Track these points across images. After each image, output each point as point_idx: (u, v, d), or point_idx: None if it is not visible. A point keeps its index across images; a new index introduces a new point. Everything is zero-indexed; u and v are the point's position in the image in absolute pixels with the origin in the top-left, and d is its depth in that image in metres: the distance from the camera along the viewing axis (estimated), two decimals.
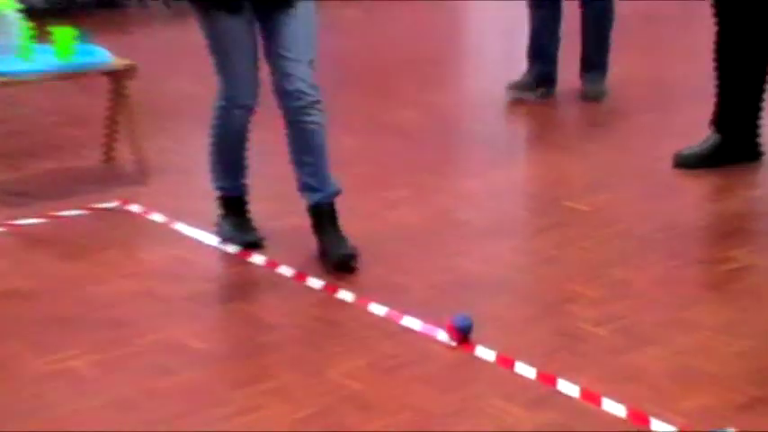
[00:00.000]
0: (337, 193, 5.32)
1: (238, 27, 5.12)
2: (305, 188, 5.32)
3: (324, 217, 5.29)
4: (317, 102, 5.15)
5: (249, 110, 5.31)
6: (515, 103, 8.19)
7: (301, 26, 5.10)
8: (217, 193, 5.57)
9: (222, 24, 5.11)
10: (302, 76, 5.09)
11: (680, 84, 8.25)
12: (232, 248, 5.52)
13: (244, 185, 5.59)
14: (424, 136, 7.41)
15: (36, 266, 5.52)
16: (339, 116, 5.20)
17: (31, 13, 6.57)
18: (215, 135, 5.43)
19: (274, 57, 5.12)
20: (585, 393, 4.25)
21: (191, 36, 9.51)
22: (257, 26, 5.17)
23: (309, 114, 5.12)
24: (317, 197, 5.27)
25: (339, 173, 5.27)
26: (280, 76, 5.14)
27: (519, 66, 8.39)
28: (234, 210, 5.57)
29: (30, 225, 5.95)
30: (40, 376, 4.51)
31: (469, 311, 4.74)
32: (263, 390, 4.36)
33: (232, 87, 5.26)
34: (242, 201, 5.59)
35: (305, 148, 5.24)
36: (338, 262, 5.17)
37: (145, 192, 6.33)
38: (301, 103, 5.11)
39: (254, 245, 5.49)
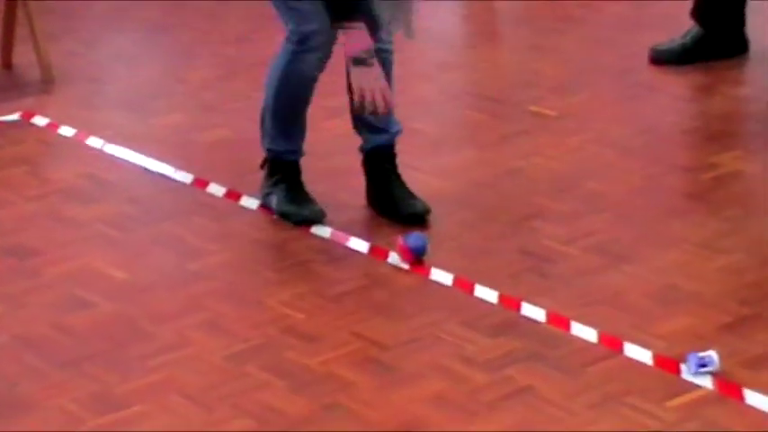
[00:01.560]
0: (399, 132, 5.21)
1: None
2: (363, 127, 5.18)
3: (385, 162, 5.18)
4: (391, 41, 5.08)
5: (325, 53, 5.05)
6: None
7: None
8: (268, 155, 5.28)
9: None
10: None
11: None
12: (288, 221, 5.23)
13: (301, 149, 5.32)
14: None
15: None
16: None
17: None
18: (278, 87, 5.12)
19: None
20: (553, 317, 4.32)
21: None
22: None
23: (388, 51, 5.07)
24: (381, 139, 5.17)
25: None
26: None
27: None
28: (289, 177, 5.26)
29: None
30: None
31: (424, 230, 4.83)
32: (191, 323, 4.40)
33: (304, 23, 4.97)
34: (298, 167, 5.32)
35: None
36: (411, 216, 5.05)
37: (51, 102, 6.34)
38: (385, 36, 5.00)
39: (315, 221, 5.17)
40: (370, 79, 4.71)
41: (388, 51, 5.08)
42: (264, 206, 5.22)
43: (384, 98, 4.72)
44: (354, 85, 4.75)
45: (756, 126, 5.92)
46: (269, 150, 5.23)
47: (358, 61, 4.72)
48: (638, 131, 5.87)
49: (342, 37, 4.79)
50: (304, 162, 5.19)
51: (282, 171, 5.22)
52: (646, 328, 4.23)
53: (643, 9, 7.20)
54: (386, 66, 4.98)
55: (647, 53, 6.71)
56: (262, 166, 5.25)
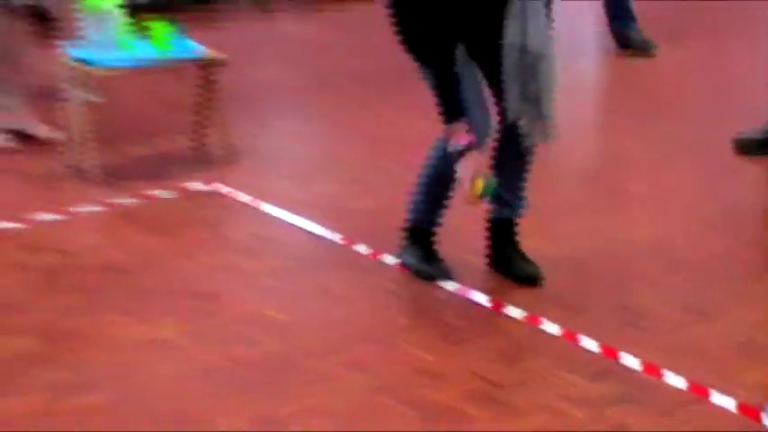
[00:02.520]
0: (524, 209, 5.03)
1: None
2: (494, 200, 4.95)
3: (506, 232, 5.02)
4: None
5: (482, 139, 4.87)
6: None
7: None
8: (408, 224, 5.15)
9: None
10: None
11: (743, 69, 7.90)
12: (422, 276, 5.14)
13: (439, 222, 5.14)
14: None
15: (129, 242, 5.55)
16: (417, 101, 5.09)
17: (131, 8, 6.62)
18: (430, 172, 4.99)
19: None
20: (647, 366, 4.21)
21: (274, 30, 9.65)
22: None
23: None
24: (507, 213, 5.00)
25: (415, 155, 5.16)
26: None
27: None
28: (422, 241, 5.14)
29: (125, 204, 5.98)
30: (132, 344, 4.57)
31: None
32: (338, 360, 4.36)
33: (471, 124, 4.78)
34: (432, 233, 5.17)
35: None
36: (525, 279, 4.92)
37: (231, 174, 6.34)
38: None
39: (443, 278, 5.02)
40: (468, 168, 4.56)
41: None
42: (402, 264, 5.12)
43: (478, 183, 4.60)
44: (459, 173, 4.61)
45: None
46: (412, 219, 5.10)
47: (459, 154, 4.58)
48: (721, 208, 5.72)
49: (447, 131, 4.66)
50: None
51: (420, 237, 5.10)
52: (729, 378, 4.11)
53: (726, 100, 6.94)
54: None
55: (729, 140, 6.39)
56: (404, 230, 5.13)
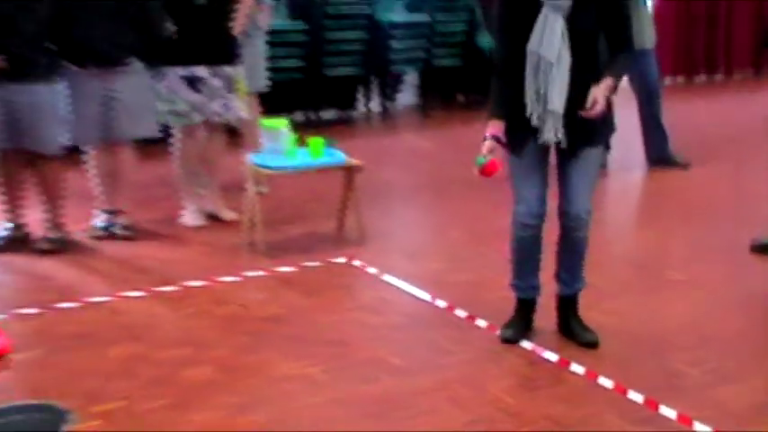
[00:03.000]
0: (583, 287, 4.89)
1: (532, 162, 4.70)
2: (559, 281, 4.87)
3: (570, 305, 4.87)
4: (588, 221, 4.71)
5: (537, 226, 4.76)
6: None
7: (587, 167, 4.68)
8: (515, 293, 4.96)
9: (523, 158, 4.68)
10: (584, 204, 4.67)
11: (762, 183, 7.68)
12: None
13: (535, 288, 4.94)
14: None
15: (287, 300, 5.58)
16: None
17: (295, 127, 6.72)
18: (513, 247, 4.84)
19: (563, 187, 4.71)
20: (680, 417, 4.13)
21: (397, 143, 9.69)
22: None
23: (580, 230, 4.71)
24: (566, 290, 4.85)
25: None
26: (566, 201, 4.69)
27: None
28: (519, 312, 4.96)
29: (284, 271, 6.02)
30: (285, 377, 4.59)
31: (594, 351, 4.74)
32: (440, 397, 4.34)
33: (524, 207, 4.74)
34: (530, 304, 4.96)
35: (569, 252, 4.81)
36: (585, 344, 4.77)
37: (363, 251, 6.32)
38: (578, 221, 4.67)
39: (511, 341, 4.88)
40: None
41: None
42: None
43: None
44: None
45: None
46: (511, 286, 4.95)
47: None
48: (741, 295, 5.57)
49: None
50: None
51: (518, 306, 4.94)
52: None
53: (746, 209, 6.79)
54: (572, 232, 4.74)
55: (747, 241, 6.23)
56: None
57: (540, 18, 4.42)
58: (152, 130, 6.64)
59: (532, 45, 4.45)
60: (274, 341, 4.99)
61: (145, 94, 6.49)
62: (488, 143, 4.57)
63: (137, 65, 6.39)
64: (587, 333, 4.81)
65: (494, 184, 4.78)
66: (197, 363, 4.72)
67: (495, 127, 4.60)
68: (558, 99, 4.46)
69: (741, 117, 9.95)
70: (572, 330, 4.85)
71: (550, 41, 4.41)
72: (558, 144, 4.56)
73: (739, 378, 4.53)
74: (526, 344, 4.86)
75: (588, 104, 4.39)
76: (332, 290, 5.73)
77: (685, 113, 9.49)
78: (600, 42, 4.55)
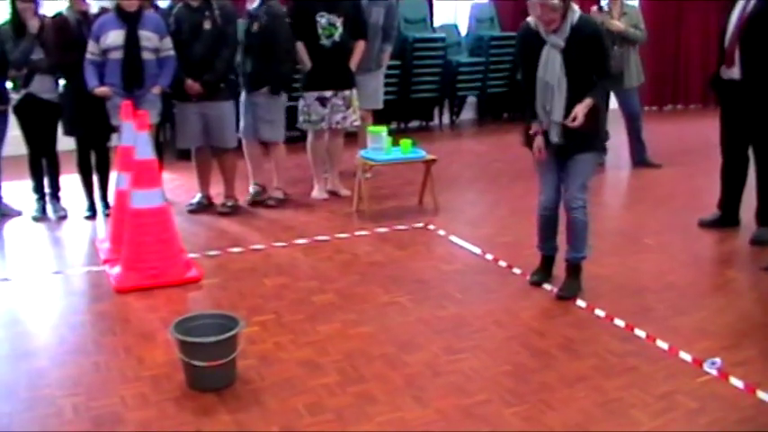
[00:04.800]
0: (583, 258, 4.72)
1: (549, 165, 4.63)
2: (567, 249, 4.74)
3: (570, 267, 4.73)
4: (581, 206, 4.57)
5: (551, 207, 4.71)
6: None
7: (580, 167, 4.55)
8: (540, 251, 4.92)
9: (540, 162, 4.66)
10: (575, 192, 4.56)
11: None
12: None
13: (553, 248, 4.88)
14: None
15: (384, 251, 5.59)
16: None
17: (390, 132, 6.72)
18: (538, 221, 4.79)
19: (564, 181, 4.62)
20: (648, 336, 4.13)
21: (461, 145, 9.63)
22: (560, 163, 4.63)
23: (575, 211, 4.58)
24: (569, 255, 4.72)
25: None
26: (565, 190, 4.62)
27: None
28: (542, 264, 4.92)
29: (382, 231, 6.04)
30: (384, 303, 4.66)
31: (593, 291, 4.64)
32: (490, 320, 4.32)
33: (542, 194, 4.73)
34: (550, 260, 4.91)
35: (570, 229, 4.66)
36: (558, 295, 4.67)
37: (436, 219, 6.30)
38: (573, 204, 4.58)
39: (536, 284, 4.87)
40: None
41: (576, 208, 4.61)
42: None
43: None
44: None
45: None
46: (537, 247, 4.90)
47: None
48: (696, 255, 5.47)
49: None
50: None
51: (542, 260, 4.91)
52: (690, 346, 4.01)
53: (700, 198, 6.58)
54: (569, 213, 4.61)
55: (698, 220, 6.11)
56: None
57: (544, 53, 4.40)
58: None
59: (540, 73, 4.41)
60: (376, 279, 5.03)
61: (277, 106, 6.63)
62: (539, 139, 4.55)
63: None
64: (564, 289, 4.70)
65: (530, 177, 4.73)
66: (323, 291, 4.82)
67: (536, 126, 4.56)
68: (557, 112, 4.43)
69: (694, 135, 9.81)
70: (561, 284, 4.76)
71: (553, 70, 4.39)
72: (560, 149, 4.53)
73: (689, 312, 4.52)
74: (547, 286, 4.86)
75: (570, 118, 4.38)
76: (415, 245, 5.72)
77: (657, 131, 9.38)
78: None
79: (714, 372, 3.78)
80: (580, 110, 4.38)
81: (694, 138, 9.65)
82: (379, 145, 6.49)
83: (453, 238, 5.82)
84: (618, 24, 7.53)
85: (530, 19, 4.47)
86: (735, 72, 5.59)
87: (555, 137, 4.50)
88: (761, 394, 3.56)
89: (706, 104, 12.00)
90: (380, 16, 7.18)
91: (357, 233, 5.97)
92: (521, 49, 4.57)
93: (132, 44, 5.84)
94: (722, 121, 5.88)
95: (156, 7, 6.54)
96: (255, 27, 6.35)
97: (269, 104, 6.52)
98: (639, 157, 8.13)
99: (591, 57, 4.43)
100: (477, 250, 5.55)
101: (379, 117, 7.96)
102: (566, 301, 4.63)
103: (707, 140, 9.32)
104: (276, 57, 6.37)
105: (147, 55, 5.90)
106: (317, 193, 6.96)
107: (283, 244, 5.71)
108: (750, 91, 5.46)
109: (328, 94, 6.64)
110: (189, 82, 6.11)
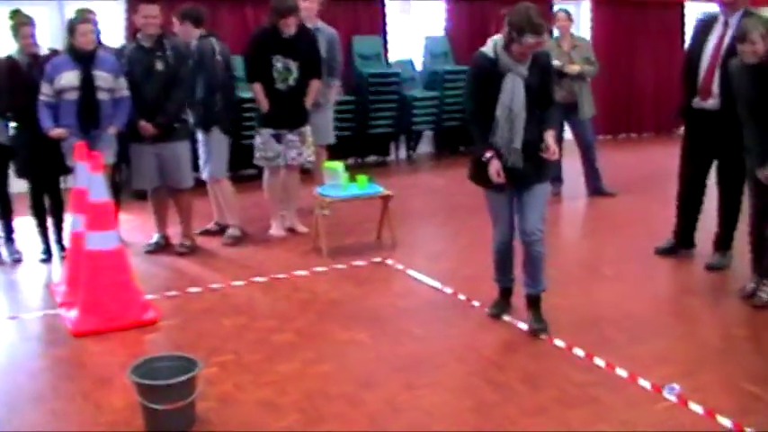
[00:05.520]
0: (544, 290, 4.70)
1: (503, 199, 4.62)
2: (526, 284, 4.71)
3: (532, 301, 4.69)
4: (541, 238, 4.55)
5: (508, 243, 4.74)
6: None
7: (538, 198, 4.55)
8: (497, 285, 4.94)
9: (493, 197, 4.66)
10: (536, 225, 4.53)
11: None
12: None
13: (510, 280, 4.92)
14: None
15: (342, 288, 5.57)
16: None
17: (347, 168, 6.77)
18: (494, 257, 4.82)
19: (520, 213, 4.58)
20: (608, 365, 4.16)
21: (417, 179, 9.64)
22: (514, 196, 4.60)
23: (536, 244, 4.55)
24: (531, 290, 4.68)
25: None
26: (523, 223, 4.55)
27: None
28: (501, 296, 4.95)
29: (340, 268, 6.01)
30: (343, 342, 4.63)
31: (552, 323, 4.66)
32: (450, 356, 4.31)
33: (498, 231, 4.72)
34: (507, 291, 4.94)
35: (529, 263, 4.64)
36: (534, 331, 4.61)
37: (394, 254, 6.29)
38: (534, 237, 4.53)
39: (496, 316, 4.89)
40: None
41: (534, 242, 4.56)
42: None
43: None
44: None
45: None
46: (495, 281, 4.93)
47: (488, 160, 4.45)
48: (653, 284, 5.53)
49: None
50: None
51: (500, 292, 4.93)
52: (648, 371, 4.03)
53: (656, 225, 6.70)
54: (529, 246, 4.55)
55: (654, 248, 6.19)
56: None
57: (508, 82, 4.33)
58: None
59: (505, 101, 4.33)
60: (335, 316, 5.01)
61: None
62: (496, 162, 4.41)
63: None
64: (535, 323, 4.67)
65: (485, 210, 4.73)
66: (282, 330, 4.78)
67: (490, 151, 4.43)
68: (518, 140, 4.42)
69: (648, 163, 9.98)
70: (530, 320, 4.71)
71: (519, 98, 4.35)
72: (518, 179, 4.47)
73: (647, 341, 4.55)
74: (507, 318, 4.88)
75: (548, 150, 4.37)
76: (373, 281, 5.71)
77: (612, 160, 9.50)
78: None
79: (673, 398, 3.81)
80: (551, 140, 4.40)
81: (648, 165, 9.83)
82: (336, 181, 6.49)
83: (412, 273, 5.81)
84: (574, 68, 7.66)
85: (486, 48, 4.44)
86: (711, 103, 5.59)
87: (518, 163, 4.43)
88: (720, 419, 3.61)
89: (658, 133, 12.24)
90: (322, 50, 7.14)
91: (315, 270, 5.94)
92: (478, 78, 4.45)
93: (87, 85, 5.81)
94: (686, 150, 5.88)
95: (104, 47, 6.50)
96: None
97: (207, 142, 6.63)
98: (595, 187, 8.22)
99: (545, 85, 4.47)
100: (436, 284, 5.55)
101: (335, 153, 7.97)
102: (539, 335, 4.59)
103: (660, 168, 9.55)
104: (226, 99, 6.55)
105: (102, 95, 5.88)
106: (274, 230, 6.93)
107: (242, 283, 5.67)
108: (728, 121, 5.28)
109: (284, 131, 6.65)
110: (142, 123, 6.08)
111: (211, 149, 6.61)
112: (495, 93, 4.38)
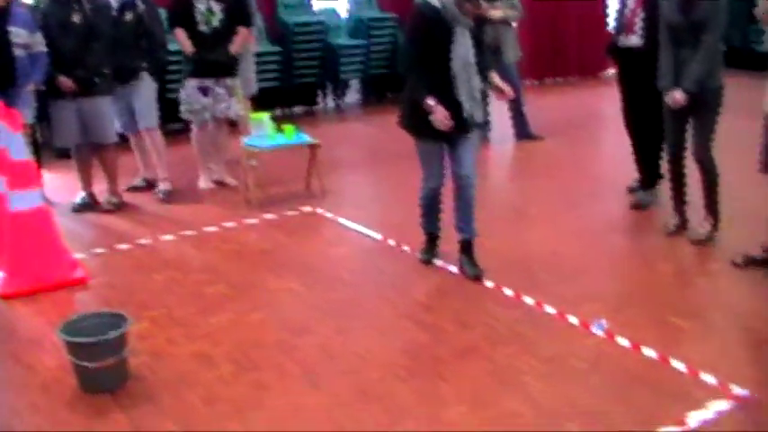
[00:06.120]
0: (476, 236, 4.75)
1: (435, 147, 4.60)
2: (459, 229, 4.73)
3: (466, 246, 4.74)
4: (475, 183, 4.61)
5: (438, 189, 4.75)
6: None
7: (473, 142, 4.60)
8: (424, 231, 4.96)
9: (427, 145, 4.62)
10: (471, 168, 4.59)
11: (596, 149, 7.86)
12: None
13: (437, 228, 4.94)
14: None
15: (273, 238, 5.57)
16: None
17: (274, 119, 6.71)
18: (422, 203, 4.83)
19: (456, 158, 4.57)
20: (537, 303, 4.25)
21: (346, 128, 9.63)
22: (445, 145, 4.60)
23: (471, 189, 4.61)
24: (466, 234, 4.73)
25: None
26: (459, 167, 4.55)
27: None
28: (430, 242, 4.96)
29: (270, 218, 6.01)
30: (275, 290, 4.65)
31: (481, 263, 4.71)
32: (379, 298, 4.36)
33: (429, 178, 4.71)
34: (435, 236, 4.96)
35: (462, 206, 4.67)
36: (471, 277, 4.63)
37: (323, 203, 6.30)
38: (470, 182, 4.58)
39: (427, 262, 4.91)
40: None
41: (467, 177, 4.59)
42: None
43: None
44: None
45: None
46: (423, 228, 4.95)
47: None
48: (579, 223, 5.65)
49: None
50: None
51: (428, 238, 4.95)
52: (576, 306, 4.12)
53: (582, 168, 6.82)
54: (464, 190, 4.61)
55: (583, 190, 6.31)
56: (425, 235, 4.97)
57: (458, 34, 4.33)
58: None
59: (460, 54, 4.35)
60: (267, 266, 5.02)
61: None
62: (441, 108, 4.35)
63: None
64: (473, 268, 4.70)
65: (415, 156, 4.72)
66: (214, 283, 4.77)
67: (432, 98, 4.36)
68: (477, 91, 4.45)
69: (574, 107, 10.10)
70: (463, 266, 4.74)
71: (469, 49, 4.38)
72: (459, 129, 4.45)
73: (575, 279, 4.67)
74: (438, 262, 4.94)
75: (501, 90, 4.50)
76: (304, 230, 5.72)
77: (539, 104, 9.59)
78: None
79: (601, 333, 3.93)
80: (500, 82, 4.51)
81: (574, 109, 9.96)
82: (263, 132, 6.45)
83: (341, 221, 5.84)
84: (497, 14, 7.66)
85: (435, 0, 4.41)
86: (634, 40, 5.63)
87: (478, 113, 4.47)
88: (646, 351, 3.73)
89: (584, 75, 12.37)
90: None
91: (246, 221, 5.92)
92: (422, 28, 4.39)
93: (2, 41, 5.63)
94: (622, 89, 5.92)
95: (18, 2, 6.27)
96: (130, 16, 6.26)
97: (137, 91, 6.48)
98: (522, 131, 8.30)
99: (479, 34, 4.51)
100: (366, 231, 5.59)
101: (261, 103, 7.89)
102: (478, 280, 4.62)
103: (587, 111, 9.73)
104: (153, 44, 6.40)
105: (18, 51, 5.68)
106: (203, 183, 6.88)
107: (171, 237, 5.62)
108: (650, 58, 5.29)
109: (209, 83, 6.55)
110: (61, 78, 5.93)
111: (142, 97, 6.46)
112: (441, 44, 4.37)
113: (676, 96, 4.91)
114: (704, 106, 4.92)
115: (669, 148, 5.26)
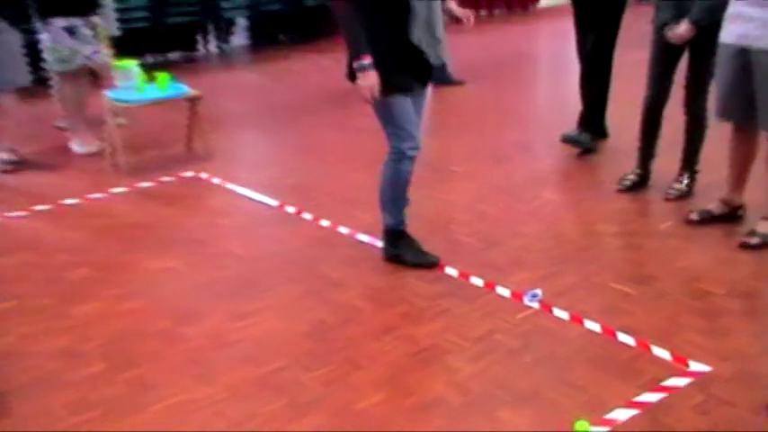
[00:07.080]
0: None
1: (408, 99, 4.19)
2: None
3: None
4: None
5: (414, 157, 4.30)
6: None
7: (424, 104, 4.49)
8: (386, 228, 4.53)
9: (402, 101, 4.16)
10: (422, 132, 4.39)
11: (520, 95, 8.01)
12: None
13: (404, 219, 4.52)
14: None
15: (148, 210, 5.52)
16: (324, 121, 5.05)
17: (144, 66, 6.62)
18: (389, 180, 4.37)
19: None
20: (462, 274, 4.31)
21: (233, 77, 9.55)
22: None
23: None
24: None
25: (326, 154, 5.18)
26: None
27: None
28: (402, 239, 4.54)
29: (144, 186, 5.96)
30: (154, 271, 4.61)
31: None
32: (279, 276, 4.37)
33: (411, 140, 4.24)
34: (404, 232, 4.54)
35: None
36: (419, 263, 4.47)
37: (209, 166, 6.28)
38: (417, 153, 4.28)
39: (434, 265, 4.47)
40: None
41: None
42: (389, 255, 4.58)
43: None
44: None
45: None
46: (388, 224, 4.51)
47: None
48: (506, 181, 5.74)
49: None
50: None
51: (397, 236, 4.52)
52: (505, 278, 4.17)
53: (505, 116, 6.93)
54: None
55: (508, 141, 6.40)
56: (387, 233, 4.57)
57: None
58: None
59: None
60: (142, 243, 4.97)
61: None
62: (373, 73, 3.98)
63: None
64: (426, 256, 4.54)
65: (317, 109, 4.73)
66: (78, 265, 4.69)
67: (368, 57, 3.96)
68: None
69: (499, 48, 10.22)
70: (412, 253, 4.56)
71: None
72: (422, 79, 4.27)
73: (503, 243, 4.74)
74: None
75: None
76: (186, 199, 5.70)
77: (458, 43, 9.63)
78: None
79: (536, 305, 4.00)
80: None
81: (501, 48, 10.06)
82: (130, 82, 6.35)
83: (230, 186, 5.82)
84: None
85: None
86: None
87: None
88: (588, 324, 3.81)
89: (511, 9, 12.48)
90: None
91: (113, 191, 5.85)
92: None
93: None
94: (577, 25, 6.01)
95: None
96: None
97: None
98: (440, 75, 8.27)
99: None
100: (260, 197, 5.59)
101: (126, 49, 7.75)
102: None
103: (515, 50, 9.80)
104: None
105: None
106: (79, 146, 6.79)
107: (22, 213, 5.51)
108: None
109: (77, 21, 6.45)
110: None
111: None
112: None
113: (681, 30, 4.75)
114: (706, 44, 4.77)
115: (651, 96, 5.17)
